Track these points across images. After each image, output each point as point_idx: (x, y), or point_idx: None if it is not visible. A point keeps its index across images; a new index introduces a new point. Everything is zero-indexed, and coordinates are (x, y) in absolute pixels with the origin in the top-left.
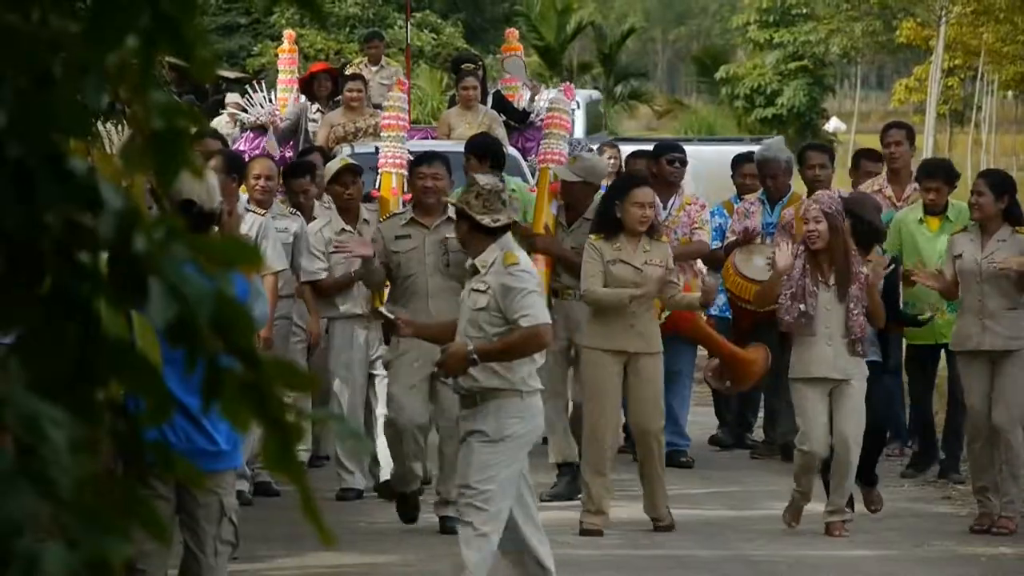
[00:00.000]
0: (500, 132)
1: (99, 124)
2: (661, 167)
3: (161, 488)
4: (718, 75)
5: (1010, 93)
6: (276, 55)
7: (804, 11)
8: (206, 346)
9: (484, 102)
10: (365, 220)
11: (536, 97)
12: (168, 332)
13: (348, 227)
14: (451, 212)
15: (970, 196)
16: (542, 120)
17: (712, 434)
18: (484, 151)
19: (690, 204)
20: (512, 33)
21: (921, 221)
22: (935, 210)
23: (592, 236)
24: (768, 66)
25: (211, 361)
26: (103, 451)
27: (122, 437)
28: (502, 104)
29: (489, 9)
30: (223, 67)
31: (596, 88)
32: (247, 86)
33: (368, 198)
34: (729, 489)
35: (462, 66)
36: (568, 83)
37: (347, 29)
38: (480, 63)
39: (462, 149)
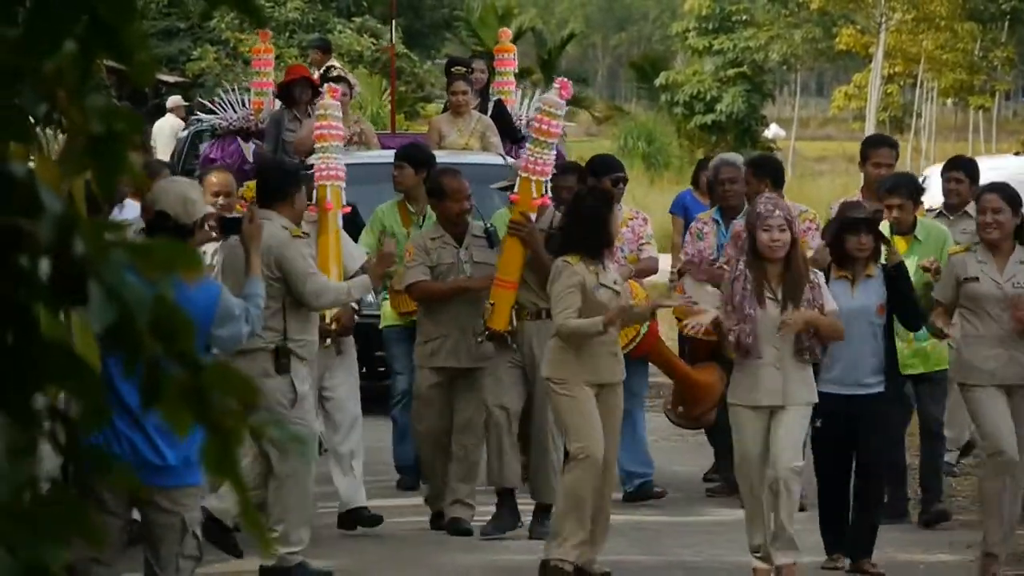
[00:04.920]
0: (495, 140)
1: (38, 129)
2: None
3: (111, 502)
4: (658, 82)
5: (949, 100)
6: (251, 54)
7: (744, 18)
8: (145, 350)
9: (484, 108)
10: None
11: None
12: (107, 336)
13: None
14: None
15: (981, 214)
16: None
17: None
18: (419, 160)
19: (632, 219)
20: (504, 33)
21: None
22: (902, 228)
23: (569, 258)
24: (707, 73)
25: (151, 365)
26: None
27: (60, 443)
28: (502, 116)
29: (428, 14)
30: (162, 71)
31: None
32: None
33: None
34: (669, 495)
35: (452, 69)
36: (563, 79)
37: (287, 34)
38: (472, 67)
39: (453, 160)
